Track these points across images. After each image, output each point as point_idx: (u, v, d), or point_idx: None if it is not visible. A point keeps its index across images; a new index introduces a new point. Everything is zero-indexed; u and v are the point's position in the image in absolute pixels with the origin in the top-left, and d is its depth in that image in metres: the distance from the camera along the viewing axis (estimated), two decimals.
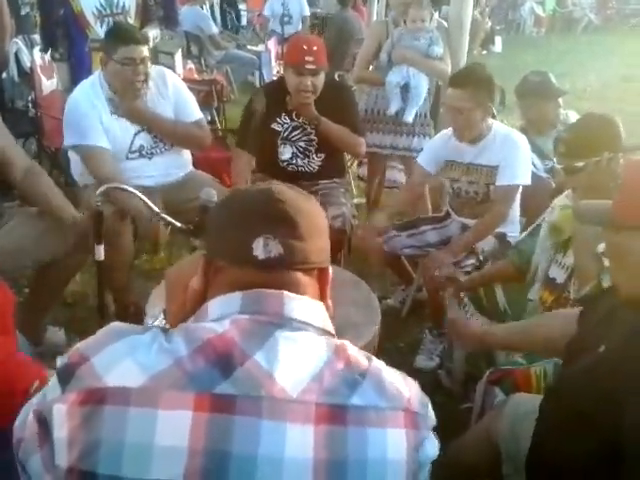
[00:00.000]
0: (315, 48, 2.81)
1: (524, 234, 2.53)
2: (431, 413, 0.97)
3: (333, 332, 0.99)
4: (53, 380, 0.88)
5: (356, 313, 2.04)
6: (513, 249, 2.49)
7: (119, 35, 2.73)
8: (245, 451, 0.83)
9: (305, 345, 0.91)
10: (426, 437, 0.94)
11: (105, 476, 0.81)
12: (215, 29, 7.75)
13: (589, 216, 1.44)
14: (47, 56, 4.08)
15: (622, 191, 1.33)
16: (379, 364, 0.96)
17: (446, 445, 1.03)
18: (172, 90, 2.92)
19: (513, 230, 2.84)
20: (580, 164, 2.02)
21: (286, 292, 0.94)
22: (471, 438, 1.82)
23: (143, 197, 2.27)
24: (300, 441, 0.84)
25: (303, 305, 0.95)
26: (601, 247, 1.45)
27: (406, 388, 0.95)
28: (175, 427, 0.82)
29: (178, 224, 2.22)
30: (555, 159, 2.20)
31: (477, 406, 2.00)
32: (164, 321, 1.75)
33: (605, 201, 1.36)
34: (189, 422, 0.82)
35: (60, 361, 0.89)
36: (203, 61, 7.36)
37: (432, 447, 0.95)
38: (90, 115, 2.71)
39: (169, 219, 2.26)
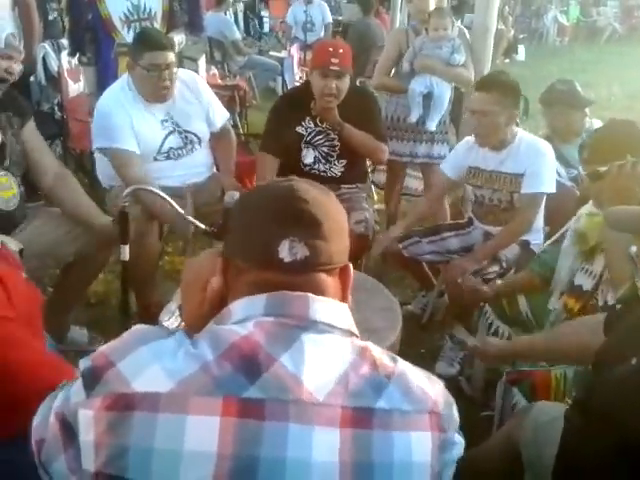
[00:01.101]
0: (341, 51, 2.83)
1: (547, 243, 2.50)
2: (455, 413, 0.97)
3: (357, 334, 0.98)
4: (77, 383, 0.87)
5: (377, 318, 2.03)
6: (536, 260, 2.46)
7: (145, 41, 2.77)
8: (273, 455, 0.83)
9: (330, 348, 0.91)
10: (451, 438, 0.94)
11: None
12: (238, 35, 7.83)
13: (622, 223, 1.41)
14: (74, 60, 4.13)
15: None
16: (404, 365, 0.95)
17: (467, 452, 1.02)
18: (205, 97, 2.99)
19: (537, 238, 2.82)
20: (603, 168, 1.96)
21: (311, 294, 0.93)
22: (493, 445, 1.80)
23: (169, 199, 2.29)
24: (327, 444, 0.84)
25: (328, 307, 0.95)
26: (634, 248, 1.42)
27: (431, 389, 0.95)
28: (204, 432, 0.82)
29: (202, 226, 2.23)
30: (581, 167, 2.17)
31: (498, 406, 1.99)
32: (179, 318, 1.75)
33: (637, 207, 1.33)
34: (217, 427, 0.82)
35: (84, 364, 0.88)
36: (226, 66, 7.42)
37: (458, 447, 0.95)
38: (120, 118, 2.74)
39: (194, 221, 2.27)
